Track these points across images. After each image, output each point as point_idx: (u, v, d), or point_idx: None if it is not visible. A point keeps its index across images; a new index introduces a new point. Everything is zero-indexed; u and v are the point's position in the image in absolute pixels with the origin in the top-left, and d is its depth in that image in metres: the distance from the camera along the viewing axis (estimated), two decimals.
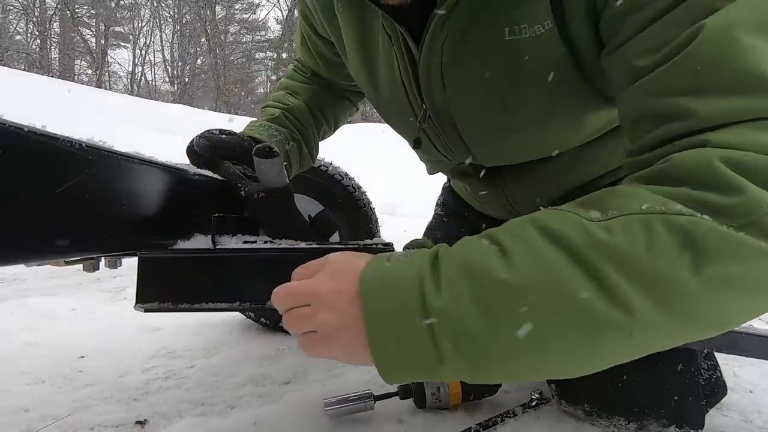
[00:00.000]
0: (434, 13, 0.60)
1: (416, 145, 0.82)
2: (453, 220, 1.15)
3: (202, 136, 0.76)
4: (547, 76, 0.61)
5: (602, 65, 0.56)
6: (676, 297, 0.37)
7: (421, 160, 0.97)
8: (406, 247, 0.53)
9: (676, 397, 0.72)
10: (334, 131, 1.10)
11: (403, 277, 0.43)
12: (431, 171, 1.01)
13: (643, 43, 0.47)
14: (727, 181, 0.37)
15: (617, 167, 0.83)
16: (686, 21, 0.43)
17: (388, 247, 0.63)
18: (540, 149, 0.77)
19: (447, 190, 1.20)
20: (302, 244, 0.63)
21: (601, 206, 0.41)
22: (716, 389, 0.79)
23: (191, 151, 0.76)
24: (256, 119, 0.97)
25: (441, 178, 1.34)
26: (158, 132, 6.39)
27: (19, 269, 1.66)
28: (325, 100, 1.03)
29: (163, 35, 22.74)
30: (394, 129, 0.87)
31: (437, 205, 1.22)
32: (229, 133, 0.79)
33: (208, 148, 0.74)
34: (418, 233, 1.23)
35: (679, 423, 0.72)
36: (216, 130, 0.78)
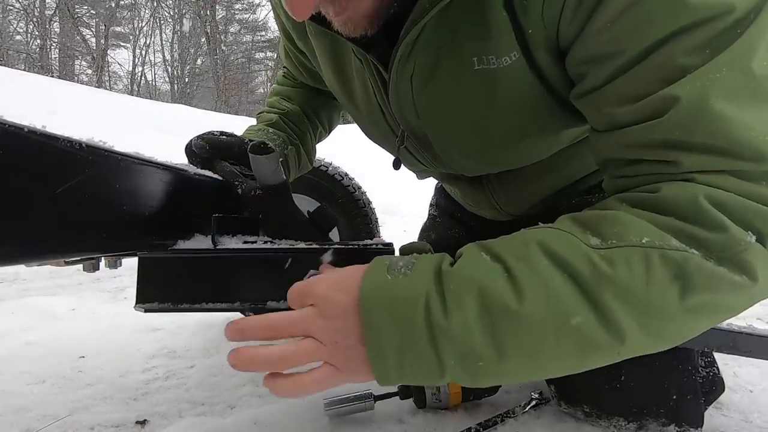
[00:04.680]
0: (396, 47, 0.60)
1: (396, 166, 0.83)
2: (446, 220, 1.16)
3: (200, 136, 0.76)
4: (521, 101, 0.62)
5: (574, 104, 0.57)
6: (661, 322, 0.42)
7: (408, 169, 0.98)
8: (402, 251, 0.53)
9: (674, 396, 0.72)
10: (329, 133, 1.11)
11: (407, 294, 0.43)
12: (420, 177, 1.02)
13: (615, 95, 0.49)
14: (710, 217, 0.41)
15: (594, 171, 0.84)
16: (656, 78, 0.45)
17: (388, 247, 0.63)
18: (517, 162, 0.77)
19: (439, 191, 1.21)
20: (302, 244, 0.63)
21: (600, 232, 0.43)
22: (714, 386, 0.79)
23: (189, 151, 0.76)
24: (254, 124, 0.98)
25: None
26: (158, 132, 6.38)
27: (19, 269, 1.66)
28: (318, 103, 1.04)
29: (163, 35, 22.76)
30: (376, 142, 0.88)
31: (431, 205, 1.23)
32: (228, 134, 0.80)
33: (205, 149, 0.75)
34: (418, 233, 1.23)
35: (678, 422, 0.72)
36: (216, 131, 0.78)
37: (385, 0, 0.55)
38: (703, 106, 0.42)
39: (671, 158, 0.44)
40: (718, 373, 0.81)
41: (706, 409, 0.77)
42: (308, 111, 1.02)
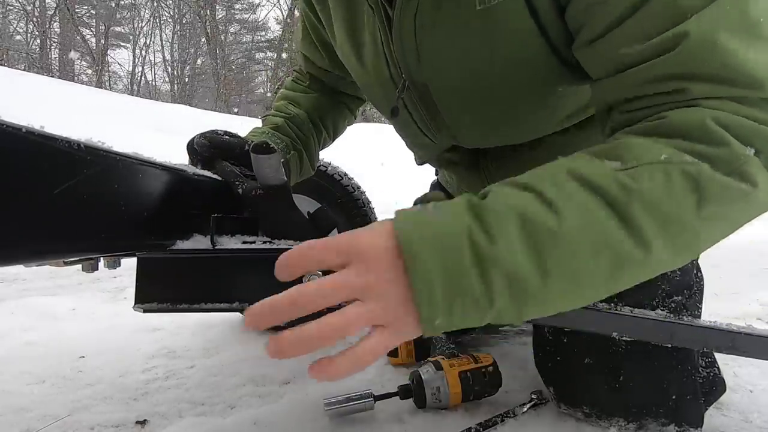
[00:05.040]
0: None
1: (393, 114, 0.81)
2: None
3: (203, 135, 0.76)
4: (519, 46, 0.64)
5: (575, 56, 0.61)
6: (680, 232, 0.45)
7: (408, 146, 0.98)
8: (416, 202, 0.51)
9: (673, 396, 0.72)
10: (333, 140, 1.11)
11: (447, 230, 0.42)
12: (419, 160, 1.02)
13: (623, 37, 0.52)
14: (716, 135, 0.45)
15: None
16: (665, 17, 0.49)
17: None
18: (516, 126, 0.78)
19: (435, 186, 1.21)
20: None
21: (618, 157, 0.46)
22: (714, 387, 0.79)
23: (191, 149, 0.76)
24: (258, 126, 0.98)
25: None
26: (158, 132, 6.38)
27: (19, 269, 1.66)
28: (324, 109, 1.04)
29: (163, 35, 22.76)
30: (376, 106, 0.90)
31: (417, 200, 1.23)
32: (231, 134, 0.80)
33: (207, 148, 0.75)
34: None
35: (678, 422, 0.72)
36: (219, 131, 0.78)
37: None
38: (711, 40, 0.47)
39: (680, 87, 0.48)
40: (719, 374, 0.81)
41: (707, 409, 0.77)
42: (314, 116, 1.02)
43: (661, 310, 0.73)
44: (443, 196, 0.50)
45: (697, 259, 0.81)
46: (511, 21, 0.62)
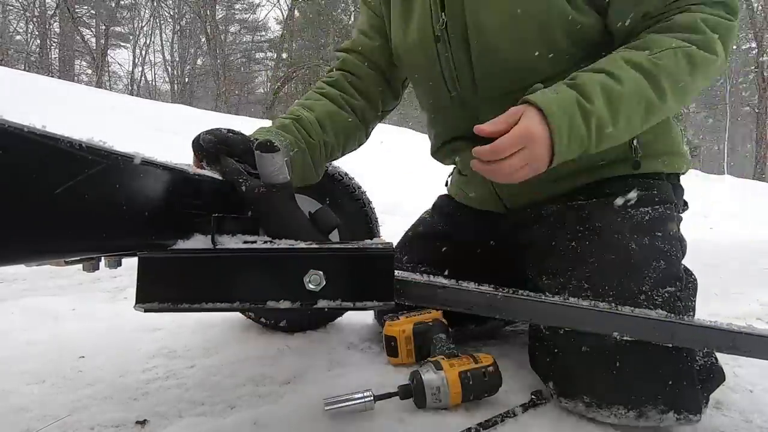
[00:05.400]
0: None
1: (436, 40, 0.96)
2: (436, 216, 1.24)
3: (209, 131, 0.77)
4: None
5: None
6: (682, 89, 0.79)
7: (427, 123, 1.14)
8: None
9: (670, 382, 0.73)
10: (342, 153, 1.10)
11: (565, 98, 0.76)
12: (434, 146, 1.13)
13: None
14: (700, 28, 0.78)
15: (596, 164, 0.93)
16: None
17: (388, 247, 0.63)
18: (533, 59, 0.89)
19: (442, 199, 1.28)
20: (302, 244, 0.63)
21: (647, 48, 0.78)
22: (712, 374, 0.81)
23: (196, 145, 0.77)
24: (265, 126, 0.98)
25: (440, 176, 1.35)
26: (158, 132, 6.38)
27: (19, 269, 1.66)
28: (338, 120, 1.05)
29: (164, 35, 22.76)
30: (413, 71, 1.07)
31: (425, 212, 1.29)
32: (236, 132, 0.80)
33: (213, 143, 0.75)
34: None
35: (677, 408, 0.73)
36: (224, 129, 0.79)
37: None
38: None
39: (681, 3, 0.81)
40: (717, 362, 0.82)
41: (707, 397, 0.78)
42: (325, 123, 1.01)
43: (657, 298, 0.77)
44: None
45: (683, 257, 0.88)
46: None
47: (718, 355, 0.82)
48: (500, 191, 1.03)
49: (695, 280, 0.88)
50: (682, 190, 1.01)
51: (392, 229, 1.51)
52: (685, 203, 1.03)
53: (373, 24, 1.13)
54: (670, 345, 0.72)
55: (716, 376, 0.81)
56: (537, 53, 0.88)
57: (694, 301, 0.86)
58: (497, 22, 0.88)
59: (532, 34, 0.87)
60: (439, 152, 1.13)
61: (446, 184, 1.28)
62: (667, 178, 0.96)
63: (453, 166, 1.22)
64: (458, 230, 1.14)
